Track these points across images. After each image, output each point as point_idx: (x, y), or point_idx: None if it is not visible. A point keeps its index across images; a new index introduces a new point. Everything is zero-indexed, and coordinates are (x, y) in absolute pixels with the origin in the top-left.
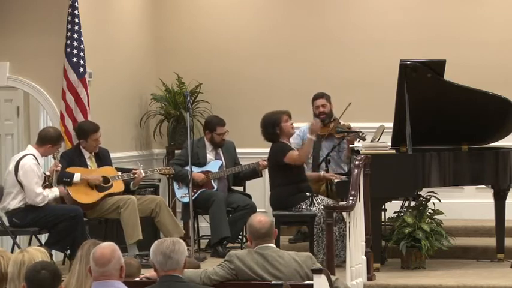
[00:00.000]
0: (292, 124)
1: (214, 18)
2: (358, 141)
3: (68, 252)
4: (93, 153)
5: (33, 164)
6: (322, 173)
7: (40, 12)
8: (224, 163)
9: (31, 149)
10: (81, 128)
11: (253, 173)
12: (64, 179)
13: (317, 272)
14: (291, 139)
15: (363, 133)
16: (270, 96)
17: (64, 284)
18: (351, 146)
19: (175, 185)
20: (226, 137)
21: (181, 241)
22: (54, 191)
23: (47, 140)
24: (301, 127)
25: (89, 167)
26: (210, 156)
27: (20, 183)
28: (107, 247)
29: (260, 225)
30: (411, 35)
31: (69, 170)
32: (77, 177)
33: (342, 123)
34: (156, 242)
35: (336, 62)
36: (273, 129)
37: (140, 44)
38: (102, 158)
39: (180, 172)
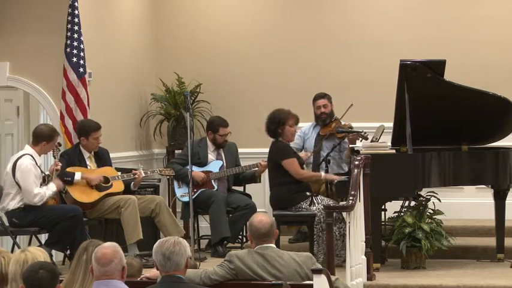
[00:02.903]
0: (295, 130)
1: (214, 18)
2: (361, 141)
3: (68, 252)
4: (92, 153)
5: (30, 164)
6: (323, 176)
7: (40, 12)
8: (225, 164)
9: (28, 149)
10: (83, 125)
11: (252, 177)
12: (65, 179)
13: (317, 272)
14: None
15: (365, 132)
16: (270, 96)
17: (63, 284)
18: (351, 145)
19: (175, 184)
20: (228, 138)
21: (183, 242)
22: (51, 187)
23: (41, 138)
24: (302, 128)
25: (89, 167)
26: (211, 156)
27: (17, 183)
28: (109, 247)
29: (260, 225)
30: (411, 35)
31: (69, 169)
32: (77, 176)
33: (343, 123)
34: (158, 241)
35: (336, 62)
36: (276, 127)
37: (140, 44)
38: (102, 158)
39: (180, 171)
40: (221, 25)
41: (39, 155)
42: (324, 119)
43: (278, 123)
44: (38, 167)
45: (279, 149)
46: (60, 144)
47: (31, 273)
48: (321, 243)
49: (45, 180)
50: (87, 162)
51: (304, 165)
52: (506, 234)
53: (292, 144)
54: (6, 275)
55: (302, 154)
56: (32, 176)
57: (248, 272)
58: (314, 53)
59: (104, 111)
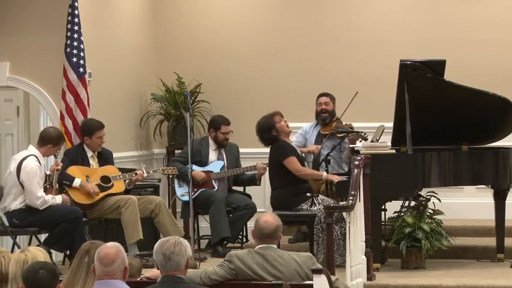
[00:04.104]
0: (286, 122)
1: (214, 18)
2: (360, 141)
3: (68, 252)
4: (96, 153)
5: (36, 166)
6: (323, 175)
7: (40, 12)
8: (226, 164)
9: (33, 149)
10: (86, 125)
11: (251, 180)
12: (64, 182)
13: (317, 272)
14: (293, 138)
15: (364, 133)
16: (270, 96)
17: (63, 284)
18: (351, 145)
19: (176, 183)
20: (230, 137)
21: (184, 242)
22: (57, 199)
23: (47, 140)
24: (303, 126)
25: (91, 166)
26: (212, 155)
27: (21, 184)
28: (112, 247)
29: (265, 225)
30: (411, 35)
31: (72, 168)
32: (76, 183)
33: (344, 123)
34: (159, 241)
35: (336, 62)
36: (269, 133)
37: (140, 44)
38: (105, 158)
39: (182, 169)
40: (221, 25)
41: (43, 157)
42: (324, 118)
43: (269, 129)
44: (42, 169)
45: (278, 148)
46: (62, 146)
47: (31, 273)
48: (321, 243)
49: (46, 181)
50: (90, 162)
51: (305, 164)
52: (506, 234)
53: (294, 143)
54: (6, 275)
55: (313, 147)
56: (37, 178)
57: (248, 272)
58: (314, 53)
59: (104, 111)
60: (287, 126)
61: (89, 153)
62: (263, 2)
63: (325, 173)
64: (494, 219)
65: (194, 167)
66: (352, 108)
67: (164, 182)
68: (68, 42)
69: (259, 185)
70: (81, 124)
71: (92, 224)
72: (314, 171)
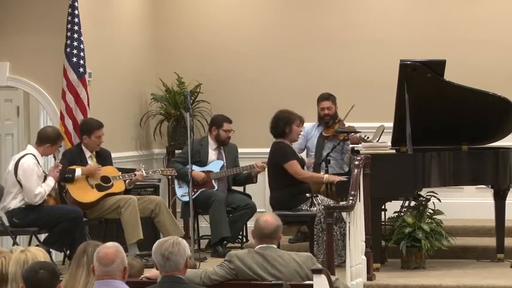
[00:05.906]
0: (300, 132)
1: (214, 18)
2: (361, 143)
3: (68, 252)
4: (94, 153)
5: (33, 164)
6: (324, 177)
7: (40, 12)
8: (225, 164)
9: (31, 148)
10: (86, 124)
11: (248, 178)
12: (66, 175)
13: (317, 272)
14: None
15: (366, 135)
16: (270, 97)
17: (63, 284)
18: (351, 146)
19: (176, 184)
20: (231, 136)
21: (182, 242)
22: (49, 182)
23: (45, 140)
24: (305, 127)
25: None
26: (212, 154)
27: (19, 182)
28: (112, 247)
29: (265, 225)
30: (411, 35)
31: (72, 168)
32: (78, 172)
33: (346, 125)
34: (158, 241)
35: (336, 62)
36: (283, 126)
37: (140, 44)
38: (104, 158)
39: (181, 170)
40: (221, 25)
41: (42, 156)
42: (327, 121)
43: (286, 122)
44: (40, 167)
45: (279, 151)
46: (60, 146)
47: (31, 273)
48: (321, 243)
49: (45, 180)
50: (89, 162)
51: (305, 167)
52: (506, 234)
53: (294, 144)
54: (6, 275)
55: (308, 160)
56: (35, 176)
57: (248, 272)
58: (314, 53)
59: (104, 111)
60: (298, 135)
61: (87, 154)
62: (263, 2)
63: (326, 175)
64: (494, 219)
65: (194, 167)
66: (353, 109)
67: (164, 182)
68: (68, 42)
69: (256, 182)
70: (81, 123)
71: (92, 224)
72: (315, 174)
